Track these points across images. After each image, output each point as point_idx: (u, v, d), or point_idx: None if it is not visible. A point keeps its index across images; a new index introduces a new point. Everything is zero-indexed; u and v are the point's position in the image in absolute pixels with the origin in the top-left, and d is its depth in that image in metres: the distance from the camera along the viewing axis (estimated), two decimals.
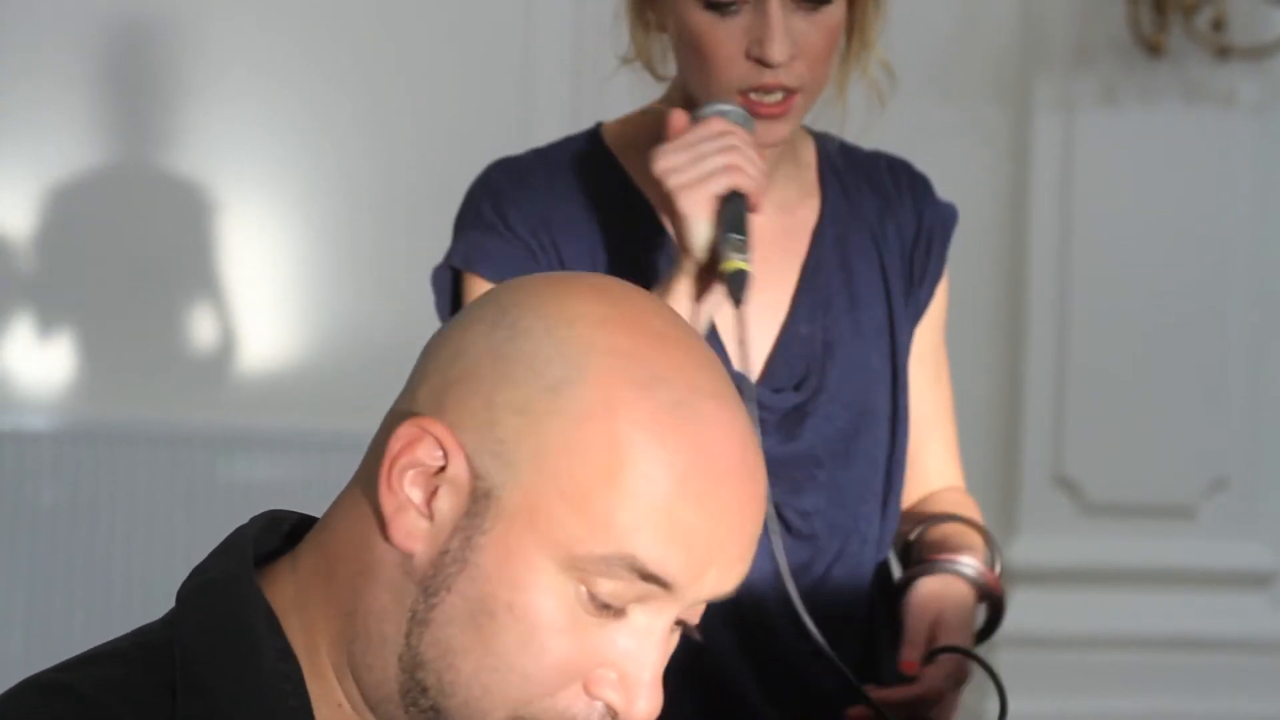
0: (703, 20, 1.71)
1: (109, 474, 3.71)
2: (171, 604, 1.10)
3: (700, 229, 1.64)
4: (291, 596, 1.08)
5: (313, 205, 3.82)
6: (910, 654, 1.71)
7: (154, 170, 3.80)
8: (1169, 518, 3.95)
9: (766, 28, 1.68)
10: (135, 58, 3.77)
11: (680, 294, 1.66)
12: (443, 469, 1.03)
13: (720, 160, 1.64)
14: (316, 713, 1.07)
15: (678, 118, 1.69)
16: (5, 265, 3.78)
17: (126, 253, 3.80)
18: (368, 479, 1.07)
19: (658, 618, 1.03)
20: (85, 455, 3.71)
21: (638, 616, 1.03)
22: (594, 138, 1.86)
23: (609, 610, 1.02)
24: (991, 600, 1.79)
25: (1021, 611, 3.91)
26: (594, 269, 1.76)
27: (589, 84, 3.35)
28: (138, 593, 3.68)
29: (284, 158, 3.81)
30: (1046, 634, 3.87)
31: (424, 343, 1.11)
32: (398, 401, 1.09)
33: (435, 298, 1.83)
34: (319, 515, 1.13)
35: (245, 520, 1.13)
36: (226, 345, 3.82)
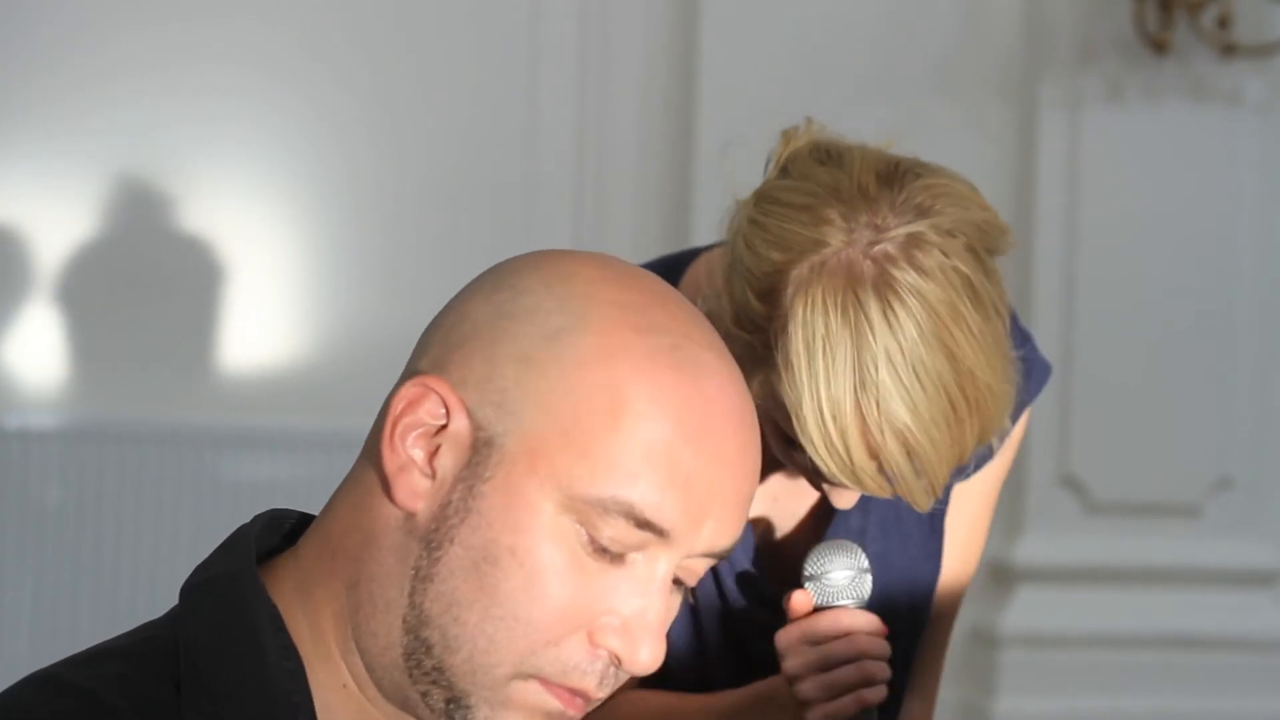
0: (781, 453, 1.56)
1: (114, 473, 3.71)
2: (176, 602, 1.10)
3: None
4: (294, 586, 1.08)
5: (315, 205, 3.82)
6: None
7: (156, 169, 3.80)
8: (1174, 517, 3.94)
9: (838, 502, 1.59)
10: (136, 53, 3.77)
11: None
12: (444, 427, 1.04)
13: (850, 676, 1.55)
14: (323, 700, 1.07)
15: (799, 601, 1.58)
16: (9, 265, 3.78)
17: (129, 252, 3.80)
18: (370, 451, 1.08)
19: (658, 566, 1.04)
20: (90, 454, 3.71)
21: (638, 565, 1.04)
22: None
23: (608, 555, 1.03)
24: None
25: (1027, 611, 3.92)
26: None
27: (594, 85, 3.34)
28: (142, 591, 3.68)
29: (286, 158, 3.81)
30: (1052, 633, 3.86)
31: None
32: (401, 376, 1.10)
33: None
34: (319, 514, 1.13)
35: (248, 518, 1.14)
36: (229, 345, 3.82)
